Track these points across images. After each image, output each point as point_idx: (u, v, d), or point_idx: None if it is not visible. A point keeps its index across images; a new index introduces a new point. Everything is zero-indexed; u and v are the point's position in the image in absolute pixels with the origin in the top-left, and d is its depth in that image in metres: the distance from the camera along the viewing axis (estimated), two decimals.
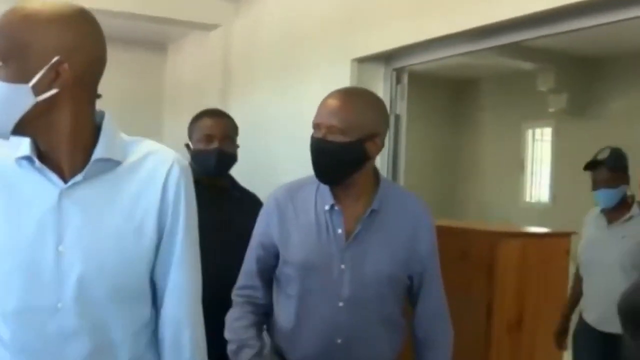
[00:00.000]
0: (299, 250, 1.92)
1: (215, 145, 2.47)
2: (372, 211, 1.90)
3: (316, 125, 1.89)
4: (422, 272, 1.98)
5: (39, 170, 1.26)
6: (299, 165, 2.12)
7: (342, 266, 1.88)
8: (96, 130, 1.30)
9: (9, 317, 1.26)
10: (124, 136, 1.37)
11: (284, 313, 1.96)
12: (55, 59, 1.20)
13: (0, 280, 1.27)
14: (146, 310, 1.37)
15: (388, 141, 3.11)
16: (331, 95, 1.92)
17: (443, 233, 2.30)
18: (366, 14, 3.17)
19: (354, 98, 1.92)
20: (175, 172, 1.34)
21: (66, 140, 1.26)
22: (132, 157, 1.32)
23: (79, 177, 1.26)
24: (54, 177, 1.26)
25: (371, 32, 3.12)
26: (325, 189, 1.93)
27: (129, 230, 1.29)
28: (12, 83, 1.19)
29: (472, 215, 8.02)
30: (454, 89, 8.61)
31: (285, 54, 4.00)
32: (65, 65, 1.21)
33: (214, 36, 4.93)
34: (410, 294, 2.02)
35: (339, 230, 1.89)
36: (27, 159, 1.27)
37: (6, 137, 1.25)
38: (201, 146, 2.48)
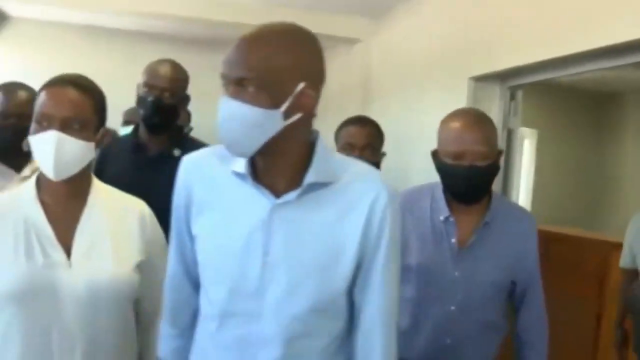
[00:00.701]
0: (417, 256, 2.08)
1: (355, 153, 2.49)
2: (486, 223, 2.07)
3: (459, 155, 1.96)
4: (526, 281, 2.14)
5: (254, 186, 1.33)
6: (427, 177, 2.29)
7: (456, 273, 2.06)
8: (310, 149, 1.35)
9: (216, 318, 1.37)
10: (336, 155, 1.42)
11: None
12: (301, 84, 1.25)
13: (210, 284, 1.39)
14: (340, 324, 1.39)
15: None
16: (460, 120, 2.01)
17: (557, 241, 2.45)
18: (484, 36, 3.41)
19: (483, 120, 2.04)
20: (383, 198, 1.34)
21: (286, 159, 1.31)
22: (342, 178, 1.34)
23: (292, 196, 1.31)
24: (267, 193, 1.32)
25: (488, 53, 3.36)
26: (441, 199, 2.10)
27: (332, 250, 1.32)
28: (266, 109, 1.24)
29: (613, 231, 7.77)
30: (595, 102, 8.39)
31: (410, 71, 4.31)
32: (310, 91, 1.27)
33: (356, 50, 5.34)
34: (514, 300, 2.19)
35: (453, 240, 2.07)
36: (242, 175, 1.33)
37: (247, 156, 1.31)
38: (344, 154, 2.54)
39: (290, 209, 1.31)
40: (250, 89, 1.24)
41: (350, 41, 5.29)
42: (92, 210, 1.60)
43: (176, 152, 2.33)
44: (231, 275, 1.34)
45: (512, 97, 3.44)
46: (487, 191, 2.06)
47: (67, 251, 1.56)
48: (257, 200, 1.32)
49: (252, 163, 1.34)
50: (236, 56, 1.26)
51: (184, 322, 1.53)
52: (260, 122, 1.24)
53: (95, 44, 6.17)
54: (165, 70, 2.38)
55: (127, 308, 1.66)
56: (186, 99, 2.46)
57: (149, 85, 2.34)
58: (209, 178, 1.39)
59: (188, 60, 2.68)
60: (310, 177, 1.30)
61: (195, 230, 1.41)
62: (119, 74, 4.96)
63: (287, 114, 1.25)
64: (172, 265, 1.52)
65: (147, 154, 2.38)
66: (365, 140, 2.58)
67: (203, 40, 6.06)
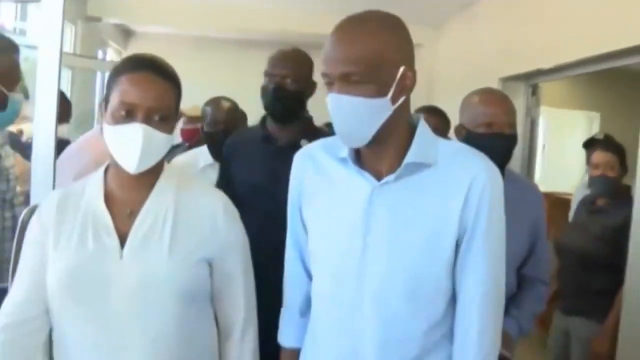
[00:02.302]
0: None
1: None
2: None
3: (489, 124, 2.02)
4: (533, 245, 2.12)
5: (357, 170, 1.35)
6: None
7: None
8: (411, 133, 1.35)
9: (323, 297, 1.41)
10: (436, 138, 1.39)
11: None
12: (402, 68, 1.26)
13: (316, 267, 1.42)
14: (440, 308, 1.35)
15: (523, 141, 4.23)
16: (488, 95, 2.11)
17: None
18: (512, 44, 4.33)
19: (505, 95, 2.16)
20: (483, 177, 1.31)
21: (391, 142, 1.32)
22: (442, 160, 1.33)
23: (391, 177, 1.31)
24: (369, 176, 1.33)
25: (514, 58, 4.26)
26: None
27: (432, 231, 1.31)
28: (375, 98, 1.25)
29: None
30: None
31: (460, 73, 5.30)
32: (410, 72, 1.28)
33: (420, 55, 6.34)
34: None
35: None
36: (345, 160, 1.36)
37: (363, 145, 1.31)
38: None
39: (391, 191, 1.32)
40: (357, 81, 1.24)
41: (416, 46, 6.23)
42: (157, 199, 1.46)
43: (303, 143, 2.13)
44: (335, 257, 1.37)
45: (534, 93, 4.32)
46: (509, 160, 2.09)
47: (124, 240, 1.42)
48: (359, 183, 1.34)
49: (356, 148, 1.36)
50: (337, 53, 1.26)
51: (303, 307, 1.55)
52: (372, 112, 1.26)
53: (204, 52, 7.37)
54: (285, 57, 2.27)
55: (191, 306, 1.46)
56: (312, 86, 2.29)
57: (269, 73, 2.25)
58: (318, 168, 1.43)
59: None
60: (409, 158, 1.31)
61: (305, 217, 1.46)
62: (227, 79, 6.10)
63: (393, 99, 1.27)
64: (289, 253, 1.56)
65: (276, 144, 2.26)
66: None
67: (304, 45, 7.12)
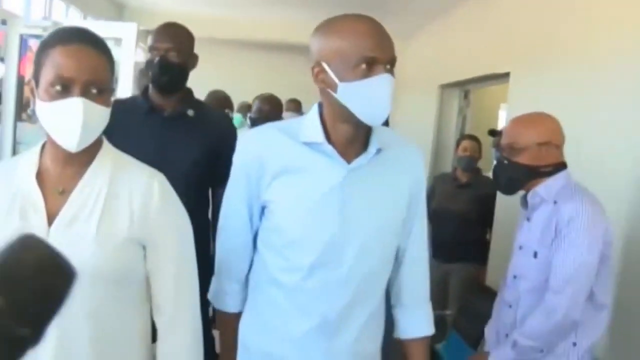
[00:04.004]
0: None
1: None
2: None
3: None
4: None
5: (326, 153, 1.45)
6: None
7: None
8: None
9: (304, 270, 1.48)
10: (383, 127, 1.54)
11: None
12: None
13: (289, 242, 1.49)
14: (389, 269, 1.59)
15: (456, 133, 5.46)
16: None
17: None
18: (449, 58, 5.53)
19: None
20: (421, 158, 1.61)
21: (364, 127, 1.45)
22: (387, 144, 1.50)
23: (363, 161, 1.47)
24: (341, 159, 1.45)
25: (450, 69, 5.44)
26: None
27: (394, 204, 1.52)
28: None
29: None
30: None
31: (412, 80, 6.51)
32: None
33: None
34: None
35: None
36: (315, 144, 1.46)
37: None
38: None
39: (361, 172, 1.46)
40: (393, 67, 1.40)
41: None
42: (92, 178, 1.37)
43: (190, 112, 2.31)
44: (312, 232, 1.47)
45: (466, 96, 5.56)
46: None
47: (53, 220, 1.33)
48: (331, 165, 1.45)
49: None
50: (387, 40, 1.40)
51: (243, 279, 1.62)
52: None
53: (238, 55, 8.37)
54: (167, 31, 2.34)
55: (119, 291, 1.38)
56: (194, 59, 2.39)
57: (153, 47, 2.30)
58: (281, 148, 1.48)
59: None
60: (375, 144, 1.46)
61: (268, 196, 1.49)
62: (259, 80, 6.94)
63: None
64: (240, 229, 1.57)
65: (162, 114, 2.28)
66: None
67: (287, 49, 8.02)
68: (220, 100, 4.22)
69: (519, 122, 2.13)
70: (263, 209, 1.53)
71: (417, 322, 1.64)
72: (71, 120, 1.28)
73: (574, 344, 1.96)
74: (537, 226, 2.02)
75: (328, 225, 1.46)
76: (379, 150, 1.46)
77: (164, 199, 1.43)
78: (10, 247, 0.85)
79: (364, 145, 1.48)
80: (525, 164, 2.03)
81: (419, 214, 1.60)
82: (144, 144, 2.06)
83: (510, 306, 2.08)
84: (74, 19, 5.37)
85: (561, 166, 2.04)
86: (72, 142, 1.30)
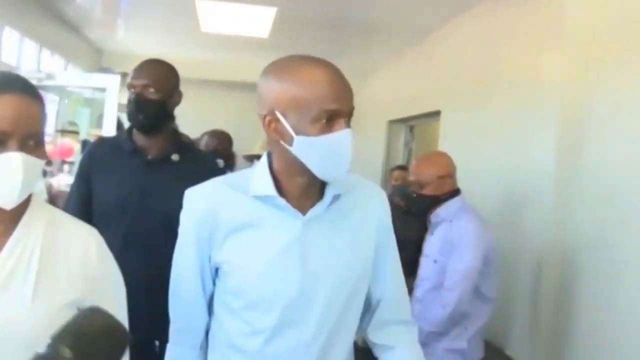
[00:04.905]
0: None
1: None
2: None
3: None
4: None
5: (279, 207, 1.35)
6: None
7: None
8: None
9: (267, 333, 1.36)
10: None
11: None
12: None
13: (248, 304, 1.38)
14: (357, 320, 1.48)
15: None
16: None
17: None
18: (396, 98, 6.21)
19: None
20: (383, 197, 1.51)
21: (314, 175, 1.32)
22: (350, 188, 1.42)
23: (320, 209, 1.37)
24: (294, 210, 1.35)
25: (397, 107, 6.12)
26: None
27: (359, 252, 1.43)
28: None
29: None
30: None
31: (364, 117, 7.24)
32: None
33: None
34: None
35: None
36: (267, 198, 1.35)
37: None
38: None
39: (320, 222, 1.37)
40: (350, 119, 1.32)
41: None
42: (23, 235, 1.26)
43: (174, 157, 2.18)
44: (273, 292, 1.36)
45: (411, 130, 6.28)
46: None
47: None
48: (286, 218, 1.35)
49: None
50: (347, 89, 1.31)
51: (201, 343, 1.50)
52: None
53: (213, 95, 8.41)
54: (145, 66, 2.21)
55: None
56: (178, 96, 2.24)
57: (130, 85, 2.19)
58: (232, 204, 1.38)
59: None
60: (332, 191, 1.37)
61: (222, 257, 1.39)
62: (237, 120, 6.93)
63: None
64: (193, 294, 1.45)
65: (145, 157, 2.17)
66: None
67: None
68: (225, 141, 3.96)
69: (421, 161, 2.78)
70: (217, 270, 1.42)
71: None
72: (9, 177, 1.20)
73: (465, 329, 2.55)
74: (438, 239, 2.62)
75: (289, 283, 1.36)
76: (337, 196, 1.39)
77: (102, 259, 1.37)
78: (80, 313, 1.04)
79: (321, 193, 1.38)
80: (430, 195, 2.64)
81: (390, 255, 1.51)
82: (125, 186, 2.11)
83: (419, 302, 2.66)
84: (58, 68, 5.84)
85: (456, 192, 2.65)
86: (9, 200, 1.22)
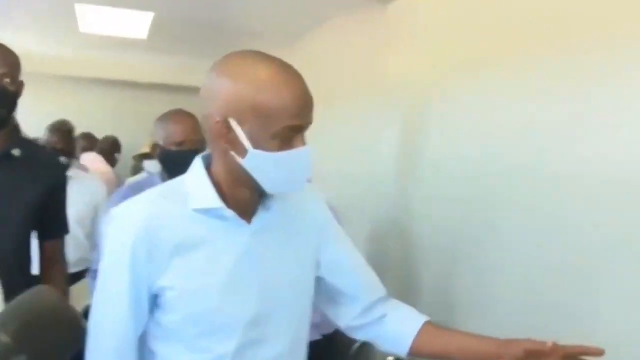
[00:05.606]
0: None
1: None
2: None
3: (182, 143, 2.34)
4: None
5: (223, 217, 1.23)
6: None
7: None
8: None
9: (228, 356, 1.25)
10: None
11: None
12: None
13: (216, 328, 1.24)
14: (310, 321, 1.41)
15: None
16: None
17: None
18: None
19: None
20: (316, 195, 1.45)
21: (256, 185, 1.22)
22: (288, 196, 1.34)
23: (264, 218, 1.28)
24: (242, 221, 1.25)
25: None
26: None
27: (308, 255, 1.38)
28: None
29: None
30: None
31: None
32: None
33: None
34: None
35: None
36: (210, 210, 1.22)
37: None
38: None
39: (265, 230, 1.28)
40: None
41: None
42: None
43: (15, 152, 1.94)
44: (230, 312, 1.24)
45: None
46: None
47: None
48: (231, 229, 1.24)
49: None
50: (309, 102, 1.18)
51: None
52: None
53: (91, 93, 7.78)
54: (1, 53, 1.88)
55: None
56: (22, 86, 1.94)
57: None
58: (172, 220, 1.21)
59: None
60: (274, 197, 1.29)
61: (165, 282, 1.20)
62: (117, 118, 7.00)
63: None
64: (122, 329, 1.23)
65: None
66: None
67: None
68: (66, 138, 3.56)
69: None
70: (155, 298, 1.23)
71: (408, 315, 1.46)
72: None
73: None
74: None
75: (247, 300, 1.25)
76: (279, 201, 1.30)
77: None
78: (24, 295, 0.98)
79: (262, 199, 1.29)
80: None
81: (342, 244, 1.46)
82: None
83: None
84: None
85: None
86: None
